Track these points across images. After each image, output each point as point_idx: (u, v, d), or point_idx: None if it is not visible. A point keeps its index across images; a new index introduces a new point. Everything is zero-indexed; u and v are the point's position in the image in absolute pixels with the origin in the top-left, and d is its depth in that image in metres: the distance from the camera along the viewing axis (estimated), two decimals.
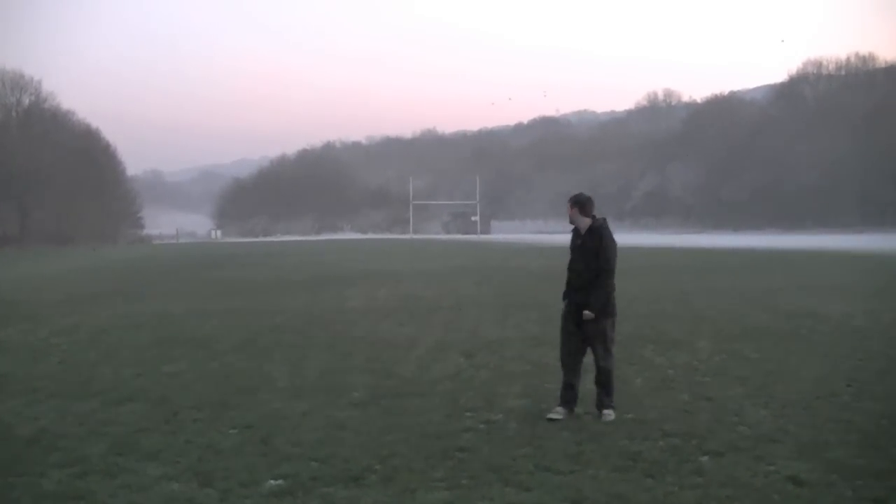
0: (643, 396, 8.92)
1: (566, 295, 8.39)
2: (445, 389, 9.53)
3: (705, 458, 6.62)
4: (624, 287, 20.86)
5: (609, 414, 7.99)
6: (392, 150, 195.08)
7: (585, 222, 8.25)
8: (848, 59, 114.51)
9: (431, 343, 13.07)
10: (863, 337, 12.67)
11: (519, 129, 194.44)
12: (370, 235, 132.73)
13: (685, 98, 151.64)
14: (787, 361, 10.77)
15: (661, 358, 11.28)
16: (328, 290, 23.45)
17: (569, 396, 8.16)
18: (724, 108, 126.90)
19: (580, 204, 8.29)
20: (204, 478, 6.43)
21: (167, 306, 19.74)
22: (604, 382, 8.15)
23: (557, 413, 8.01)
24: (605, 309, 8.12)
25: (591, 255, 8.10)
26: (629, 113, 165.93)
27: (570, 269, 8.35)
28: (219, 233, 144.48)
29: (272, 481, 6.32)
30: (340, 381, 10.14)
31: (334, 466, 6.64)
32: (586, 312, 8.02)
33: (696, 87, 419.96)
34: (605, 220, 8.29)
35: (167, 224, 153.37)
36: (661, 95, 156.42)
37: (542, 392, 8.91)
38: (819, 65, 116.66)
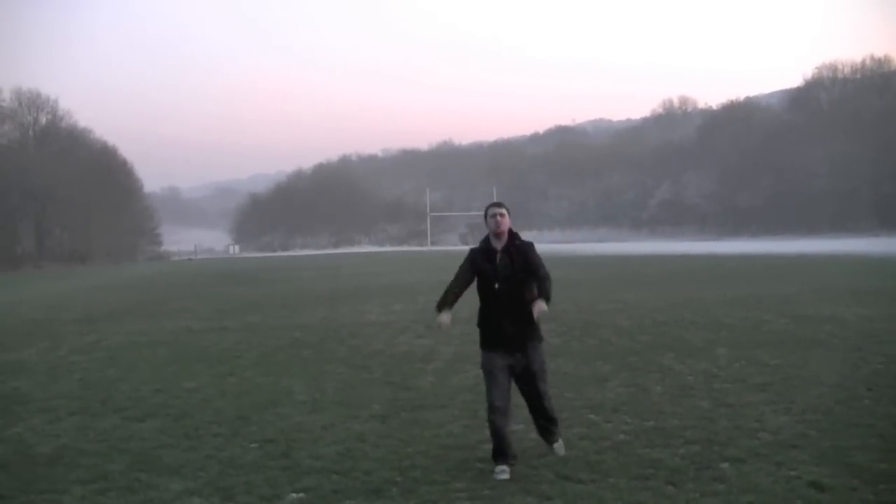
0: (663, 404, 8.89)
1: (488, 324, 6.93)
2: (464, 400, 9.52)
3: (726, 465, 6.59)
4: (642, 295, 20.99)
5: (561, 446, 7.17)
6: (408, 163, 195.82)
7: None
8: (863, 61, 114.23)
9: (449, 355, 13.05)
10: (882, 341, 12.56)
11: (535, 138, 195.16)
12: (388, 248, 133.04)
13: (701, 105, 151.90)
14: (807, 367, 10.71)
15: (681, 365, 11.23)
16: (346, 304, 23.49)
17: (504, 446, 6.74)
18: (739, 114, 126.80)
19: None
20: (225, 492, 6.46)
21: (186, 322, 19.82)
22: (551, 420, 7.13)
23: (504, 472, 6.59)
24: (538, 332, 6.91)
25: (521, 269, 6.79)
26: (645, 120, 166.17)
27: (497, 293, 6.81)
28: (237, 248, 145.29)
29: (293, 495, 6.35)
30: (360, 395, 10.15)
31: (355, 479, 6.66)
32: (541, 304, 6.62)
33: (712, 94, 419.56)
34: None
35: (185, 241, 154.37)
36: (676, 102, 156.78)
37: (561, 401, 8.84)
38: (834, 68, 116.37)
